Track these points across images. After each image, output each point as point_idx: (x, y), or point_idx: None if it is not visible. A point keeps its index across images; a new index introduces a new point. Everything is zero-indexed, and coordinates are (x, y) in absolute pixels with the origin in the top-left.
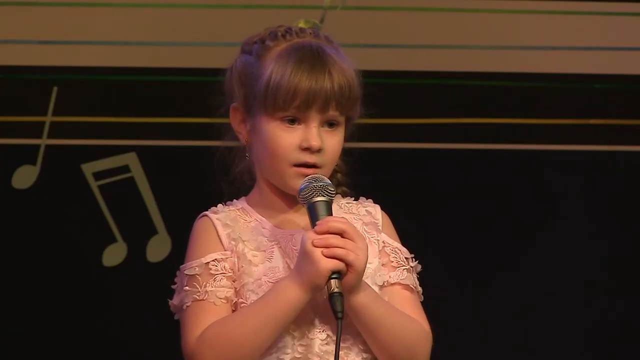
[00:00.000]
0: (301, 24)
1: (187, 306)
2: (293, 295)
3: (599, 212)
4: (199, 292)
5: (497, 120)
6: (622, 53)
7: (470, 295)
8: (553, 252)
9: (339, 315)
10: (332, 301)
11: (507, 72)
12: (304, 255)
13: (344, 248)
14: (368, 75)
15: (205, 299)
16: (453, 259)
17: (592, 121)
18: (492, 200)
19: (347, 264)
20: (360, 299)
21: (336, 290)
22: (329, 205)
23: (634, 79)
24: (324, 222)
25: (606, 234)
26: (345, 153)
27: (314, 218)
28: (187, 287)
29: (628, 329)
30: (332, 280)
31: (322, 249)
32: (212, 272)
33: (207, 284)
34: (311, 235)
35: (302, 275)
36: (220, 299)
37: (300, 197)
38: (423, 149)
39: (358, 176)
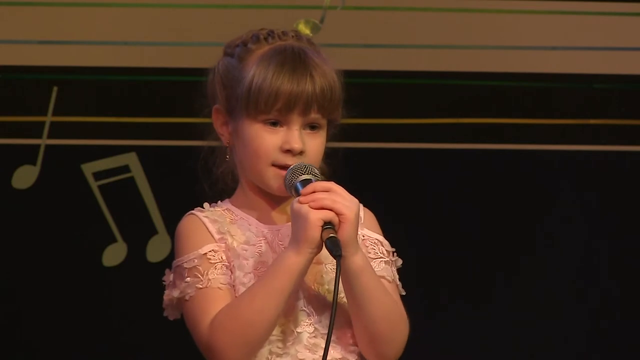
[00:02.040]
0: (301, 25)
1: (191, 296)
2: (292, 260)
3: (599, 212)
4: (202, 280)
5: (497, 120)
6: (622, 53)
7: (468, 296)
8: (553, 252)
9: (338, 252)
10: (329, 244)
11: (507, 72)
12: (294, 216)
13: (330, 199)
14: (367, 76)
15: (209, 286)
16: (452, 260)
17: (592, 121)
18: (491, 200)
19: (338, 213)
20: (358, 262)
21: (332, 234)
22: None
23: (634, 79)
24: (309, 186)
25: (606, 234)
26: (328, 155)
27: (299, 193)
28: (188, 279)
29: (629, 329)
30: (326, 230)
31: (309, 203)
32: (212, 261)
33: (209, 272)
34: (297, 198)
35: (297, 236)
36: (224, 284)
37: (286, 184)
38: (423, 149)
39: (352, 176)
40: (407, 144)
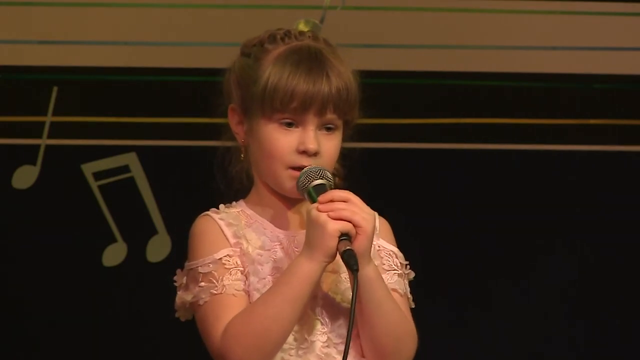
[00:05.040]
0: (301, 25)
1: (205, 302)
2: (306, 268)
3: (600, 212)
4: (216, 286)
5: (498, 120)
6: (622, 53)
7: (468, 296)
8: (553, 252)
9: (355, 267)
10: (345, 257)
11: (508, 72)
12: (311, 223)
13: (349, 210)
14: (368, 76)
15: (223, 292)
16: (452, 260)
17: (592, 121)
18: (491, 200)
19: (355, 225)
20: (370, 274)
21: (349, 247)
22: (328, 188)
23: (634, 79)
24: (327, 193)
25: (607, 234)
26: (344, 157)
27: (314, 198)
28: (202, 283)
29: (631, 329)
30: (342, 241)
31: (328, 212)
32: (227, 266)
33: (224, 278)
34: (315, 205)
35: (312, 244)
36: (239, 290)
37: (299, 187)
38: (422, 149)
39: (357, 178)
40: (407, 144)
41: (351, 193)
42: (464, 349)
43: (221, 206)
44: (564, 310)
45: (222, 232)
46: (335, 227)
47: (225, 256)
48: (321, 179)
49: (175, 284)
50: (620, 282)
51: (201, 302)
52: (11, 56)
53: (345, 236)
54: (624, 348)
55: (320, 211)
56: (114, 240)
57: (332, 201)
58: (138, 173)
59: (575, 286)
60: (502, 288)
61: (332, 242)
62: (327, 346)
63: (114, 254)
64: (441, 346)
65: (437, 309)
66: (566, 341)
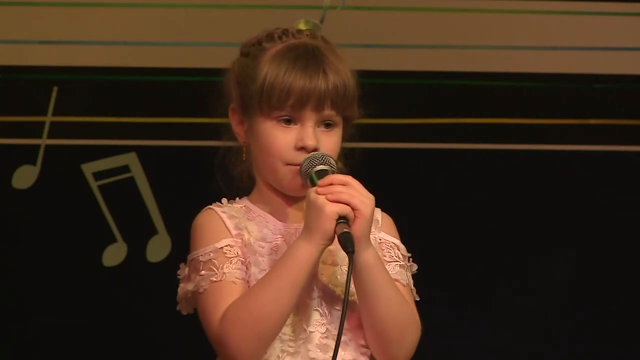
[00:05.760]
0: (301, 25)
1: (205, 289)
2: (304, 251)
3: (600, 212)
4: (217, 274)
5: (497, 120)
6: (622, 53)
7: (467, 297)
8: (553, 252)
9: (350, 249)
10: (342, 239)
11: (507, 72)
12: (309, 206)
13: (347, 193)
14: (367, 75)
15: (223, 279)
16: (451, 261)
17: (592, 121)
18: (491, 200)
19: (354, 208)
20: (369, 258)
21: (346, 229)
22: (330, 174)
23: (634, 79)
24: (327, 177)
25: (607, 234)
26: (346, 155)
27: (315, 183)
28: (203, 272)
29: (630, 326)
30: (340, 224)
31: (326, 195)
32: (228, 255)
33: (224, 266)
34: (314, 188)
35: (310, 226)
36: (238, 279)
37: (302, 172)
38: (422, 149)
39: (358, 178)
40: (407, 144)
41: (351, 177)
42: (464, 349)
43: (224, 200)
44: (564, 310)
45: (224, 223)
46: (332, 209)
47: (226, 245)
48: (324, 164)
49: (178, 277)
50: (620, 282)
51: (201, 290)
52: (11, 56)
53: (343, 219)
54: (624, 348)
55: (318, 194)
56: (114, 240)
57: (331, 184)
58: (138, 173)
59: (575, 286)
60: (502, 288)
61: (330, 225)
62: (326, 337)
63: (114, 254)
64: (441, 346)
65: (437, 308)
66: (566, 341)
